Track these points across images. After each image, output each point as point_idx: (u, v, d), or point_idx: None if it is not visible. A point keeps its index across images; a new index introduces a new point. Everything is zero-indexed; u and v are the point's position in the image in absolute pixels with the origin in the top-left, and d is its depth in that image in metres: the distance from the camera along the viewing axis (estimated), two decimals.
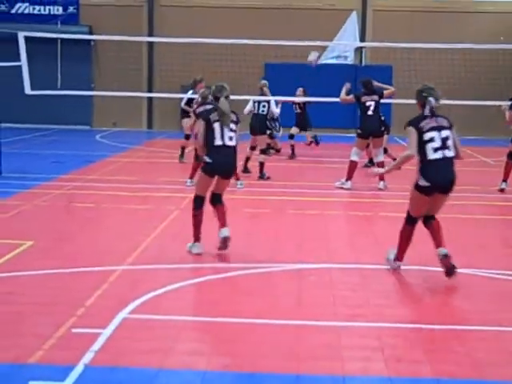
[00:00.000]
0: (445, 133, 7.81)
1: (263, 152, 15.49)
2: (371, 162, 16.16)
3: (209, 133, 8.84)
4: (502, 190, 14.01)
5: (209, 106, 10.23)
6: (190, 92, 16.93)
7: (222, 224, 9.03)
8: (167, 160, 18.44)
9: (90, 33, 27.42)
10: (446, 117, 8.01)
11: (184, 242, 9.46)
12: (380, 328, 6.48)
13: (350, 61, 27.53)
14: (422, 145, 7.78)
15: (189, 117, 16.37)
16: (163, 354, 5.73)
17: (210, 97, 10.32)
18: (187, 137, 17.18)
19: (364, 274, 8.28)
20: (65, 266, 8.20)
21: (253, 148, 15.72)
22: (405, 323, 6.66)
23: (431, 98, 7.91)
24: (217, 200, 9.10)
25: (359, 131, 14.62)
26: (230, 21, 27.52)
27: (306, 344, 6.07)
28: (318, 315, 6.82)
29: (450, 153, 7.84)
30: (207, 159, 8.89)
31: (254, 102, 15.76)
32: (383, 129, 14.78)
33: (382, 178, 14.05)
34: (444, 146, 7.78)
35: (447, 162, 7.82)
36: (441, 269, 8.01)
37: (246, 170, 15.78)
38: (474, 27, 27.19)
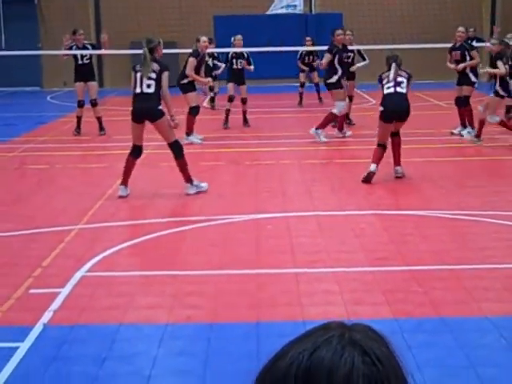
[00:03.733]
0: (400, 78, 10.20)
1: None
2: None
3: (134, 81, 9.58)
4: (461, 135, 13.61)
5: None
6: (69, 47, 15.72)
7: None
8: (119, 118, 18.21)
9: None
10: (407, 72, 10.36)
11: (140, 198, 9.42)
12: (338, 273, 6.53)
13: (300, 10, 27.42)
14: (382, 88, 10.34)
15: (80, 79, 15.50)
16: (123, 310, 5.72)
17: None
18: None
19: (320, 221, 8.31)
20: (20, 228, 8.11)
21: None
22: (363, 267, 6.71)
23: (394, 64, 10.25)
24: (171, 150, 9.67)
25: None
26: None
27: (265, 292, 6.09)
28: (276, 263, 6.85)
29: (401, 89, 10.11)
30: (131, 106, 9.62)
31: (232, 57, 15.74)
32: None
33: (340, 127, 14.04)
34: (396, 86, 10.10)
35: (397, 95, 10.11)
36: (395, 211, 8.09)
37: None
38: None
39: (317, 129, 13.38)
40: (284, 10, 27.18)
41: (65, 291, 6.07)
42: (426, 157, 11.82)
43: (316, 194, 9.69)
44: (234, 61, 15.81)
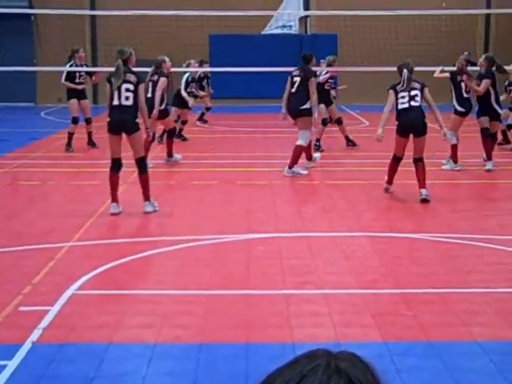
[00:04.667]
0: (414, 92, 10.26)
1: None
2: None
3: (110, 93, 9.58)
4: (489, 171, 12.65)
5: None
6: (69, 64, 15.92)
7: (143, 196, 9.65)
8: None
9: (30, 7, 26.84)
10: (419, 81, 10.42)
11: (132, 217, 9.43)
12: (328, 295, 6.53)
13: (295, 30, 27.57)
14: (396, 101, 10.29)
15: (74, 96, 15.67)
16: (113, 329, 5.71)
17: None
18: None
19: (311, 243, 8.32)
20: (11, 245, 8.10)
21: None
22: (353, 289, 6.72)
23: (405, 70, 10.32)
24: (137, 165, 9.72)
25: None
26: None
27: (255, 313, 6.10)
28: (267, 284, 6.86)
29: (415, 103, 10.21)
30: (108, 118, 9.58)
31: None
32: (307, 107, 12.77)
33: (309, 156, 13.21)
34: (411, 100, 10.20)
35: (412, 110, 10.20)
36: (386, 233, 8.10)
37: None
38: None
39: (290, 168, 12.42)
40: (279, 31, 27.33)
41: (54, 309, 6.06)
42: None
43: (307, 215, 9.71)
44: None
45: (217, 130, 16.15)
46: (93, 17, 27.50)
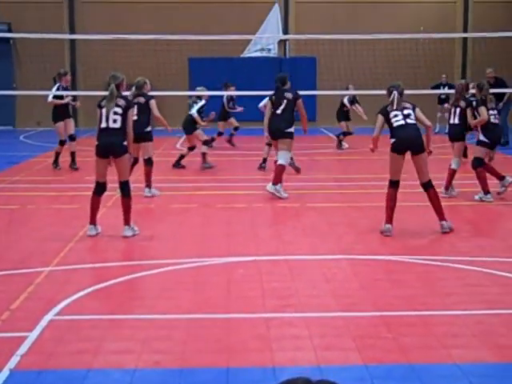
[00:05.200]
0: (407, 111, 9.92)
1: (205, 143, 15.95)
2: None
3: (99, 117, 9.68)
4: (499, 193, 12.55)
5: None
6: (55, 86, 16.32)
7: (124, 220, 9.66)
8: (93, 158, 18.18)
9: (9, 30, 26.82)
10: (409, 102, 10.16)
11: (111, 241, 9.40)
12: (309, 318, 6.53)
13: (274, 54, 27.71)
14: (389, 121, 9.89)
15: (61, 119, 16.00)
16: (92, 355, 5.67)
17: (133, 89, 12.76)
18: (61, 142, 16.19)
19: (292, 265, 8.33)
20: None
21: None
22: (333, 312, 6.72)
23: (395, 92, 10.01)
24: (121, 188, 9.71)
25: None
26: (153, 16, 27.28)
27: (236, 337, 6.08)
28: (247, 308, 6.84)
29: (411, 121, 9.86)
30: (96, 142, 9.65)
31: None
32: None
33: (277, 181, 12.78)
34: (406, 118, 9.85)
35: (409, 127, 9.80)
36: (367, 256, 8.12)
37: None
38: (396, 18, 27.53)
39: (274, 184, 12.49)
40: (258, 54, 27.47)
41: (33, 335, 6.01)
42: (399, 201, 11.88)
43: (288, 238, 9.71)
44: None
45: (196, 153, 16.15)
46: (72, 41, 27.52)
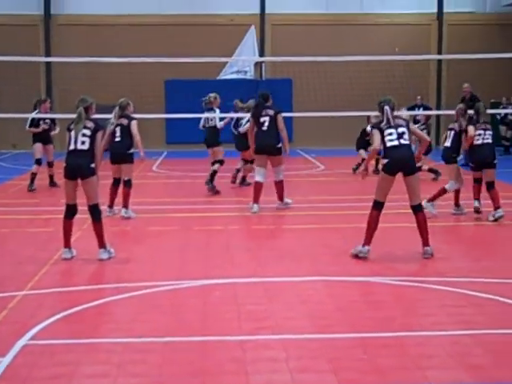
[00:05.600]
0: (401, 129, 9.76)
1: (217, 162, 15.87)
2: None
3: (68, 140, 9.73)
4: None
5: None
6: (35, 112, 16.82)
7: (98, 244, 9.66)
8: None
9: None
10: (402, 118, 10.14)
11: (86, 264, 9.35)
12: (285, 340, 6.52)
13: (250, 75, 27.86)
14: (383, 139, 9.74)
15: (40, 141, 16.51)
16: (67, 379, 5.62)
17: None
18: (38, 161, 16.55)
19: (268, 288, 8.32)
20: None
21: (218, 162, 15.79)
22: (309, 334, 6.71)
23: (386, 107, 9.85)
24: (90, 212, 9.66)
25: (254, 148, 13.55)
26: (128, 38, 27.33)
27: (211, 360, 6.05)
28: (223, 330, 6.82)
29: (405, 141, 9.71)
30: (64, 164, 9.66)
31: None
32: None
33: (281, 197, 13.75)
34: (399, 138, 9.69)
35: (402, 147, 9.68)
36: (342, 277, 8.13)
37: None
38: (371, 40, 27.77)
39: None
40: (235, 76, 27.60)
41: (6, 360, 5.94)
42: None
43: (264, 260, 9.71)
44: None
45: (172, 175, 16.15)
46: (48, 63, 27.49)
